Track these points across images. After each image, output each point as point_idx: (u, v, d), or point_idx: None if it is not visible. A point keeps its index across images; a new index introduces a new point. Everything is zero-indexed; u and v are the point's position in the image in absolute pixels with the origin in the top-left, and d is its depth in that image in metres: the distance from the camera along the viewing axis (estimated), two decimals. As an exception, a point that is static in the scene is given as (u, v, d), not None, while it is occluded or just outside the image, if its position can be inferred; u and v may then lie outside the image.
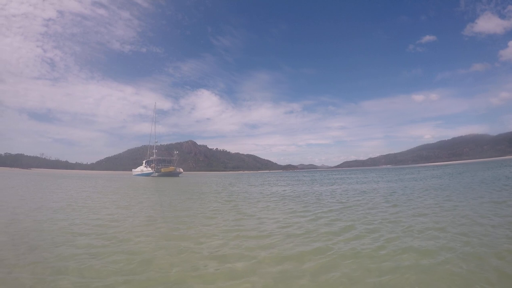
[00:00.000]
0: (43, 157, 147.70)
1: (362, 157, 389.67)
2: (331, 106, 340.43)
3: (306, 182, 31.91)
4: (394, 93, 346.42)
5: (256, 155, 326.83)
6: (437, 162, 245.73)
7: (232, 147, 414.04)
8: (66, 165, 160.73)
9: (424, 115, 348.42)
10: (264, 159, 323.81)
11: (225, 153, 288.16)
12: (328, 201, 13.87)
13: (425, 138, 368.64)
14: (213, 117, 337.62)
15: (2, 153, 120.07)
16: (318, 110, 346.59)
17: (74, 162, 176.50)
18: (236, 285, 4.22)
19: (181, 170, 73.15)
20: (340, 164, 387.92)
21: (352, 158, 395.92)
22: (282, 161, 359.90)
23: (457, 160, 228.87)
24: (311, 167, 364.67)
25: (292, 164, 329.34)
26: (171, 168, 69.66)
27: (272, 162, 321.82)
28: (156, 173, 68.45)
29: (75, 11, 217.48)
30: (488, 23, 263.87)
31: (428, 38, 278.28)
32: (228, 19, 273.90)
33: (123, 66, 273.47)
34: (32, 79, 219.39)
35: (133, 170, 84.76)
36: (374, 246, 5.89)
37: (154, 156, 76.77)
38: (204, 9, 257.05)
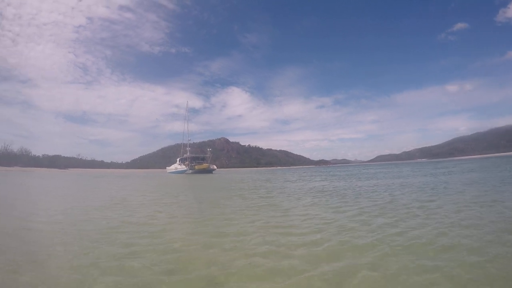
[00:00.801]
0: (80, 157, 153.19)
1: (396, 151, 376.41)
2: (363, 99, 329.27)
3: (343, 177, 30.78)
4: (426, 84, 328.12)
5: (288, 150, 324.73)
6: (473, 155, 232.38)
7: (264, 143, 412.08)
8: (101, 165, 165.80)
9: (458, 106, 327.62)
10: (296, 155, 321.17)
11: (257, 149, 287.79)
12: (369, 195, 13.18)
13: (460, 130, 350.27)
14: (244, 114, 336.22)
15: (40, 155, 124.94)
16: (350, 104, 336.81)
17: (109, 161, 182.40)
18: (296, 282, 3.92)
19: (215, 167, 73.15)
20: (374, 158, 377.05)
21: (386, 152, 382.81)
22: (314, 156, 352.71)
23: (494, 153, 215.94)
24: (344, 162, 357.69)
25: (324, 159, 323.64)
26: (205, 165, 69.72)
27: (305, 158, 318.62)
28: (190, 171, 68.49)
29: (103, 16, 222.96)
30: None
31: (459, 25, 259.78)
32: (254, 16, 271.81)
33: (153, 67, 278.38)
34: (66, 84, 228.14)
35: (167, 168, 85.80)
36: (423, 241, 5.54)
37: (188, 153, 77.36)
38: (230, 7, 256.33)
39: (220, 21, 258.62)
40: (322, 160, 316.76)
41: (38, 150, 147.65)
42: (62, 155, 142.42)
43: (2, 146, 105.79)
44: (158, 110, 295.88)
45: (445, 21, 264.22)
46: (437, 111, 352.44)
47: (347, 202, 11.31)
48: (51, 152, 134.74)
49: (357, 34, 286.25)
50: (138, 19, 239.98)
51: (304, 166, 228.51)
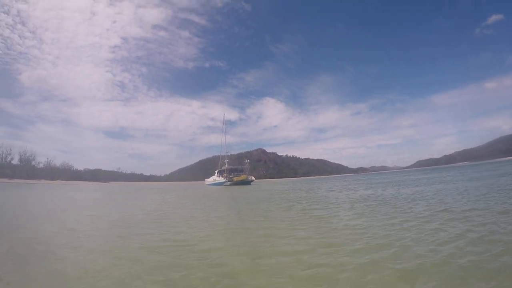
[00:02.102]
0: (120, 171, 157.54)
1: (436, 155, 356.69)
2: (399, 103, 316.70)
3: (386, 185, 29.32)
4: (463, 83, 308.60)
5: (326, 159, 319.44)
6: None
7: (301, 153, 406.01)
8: (141, 178, 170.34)
9: (499, 104, 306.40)
10: (334, 163, 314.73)
11: (294, 159, 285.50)
12: (424, 204, 12.15)
13: (502, 129, 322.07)
14: (280, 124, 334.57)
15: (82, 169, 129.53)
16: (385, 109, 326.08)
17: (148, 174, 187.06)
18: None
19: (253, 178, 72.65)
20: (413, 164, 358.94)
21: (425, 157, 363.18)
22: (352, 164, 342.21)
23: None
24: (383, 169, 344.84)
25: (363, 166, 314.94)
26: (243, 176, 69.37)
27: (343, 166, 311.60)
28: (229, 182, 68.33)
29: (137, 36, 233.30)
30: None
31: (494, 17, 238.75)
32: (284, 26, 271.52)
33: (188, 82, 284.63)
34: (104, 101, 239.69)
35: (205, 180, 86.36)
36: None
37: (226, 165, 77.53)
38: (259, 19, 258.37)
39: (251, 33, 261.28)
40: (361, 167, 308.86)
41: (79, 164, 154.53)
42: (103, 168, 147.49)
43: (46, 161, 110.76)
44: (195, 123, 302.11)
45: (478, 15, 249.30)
46: (476, 111, 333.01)
47: (408, 212, 10.40)
48: (92, 166, 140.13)
49: (389, 36, 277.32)
50: (171, 36, 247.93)
51: (342, 175, 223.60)
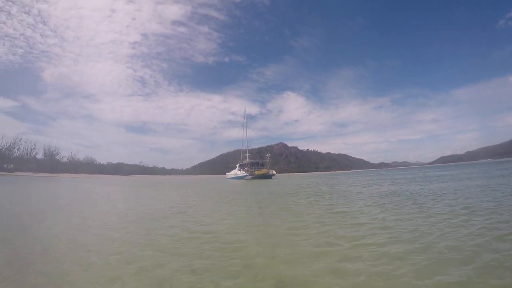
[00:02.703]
0: (142, 164, 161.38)
1: (459, 151, 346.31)
2: (421, 97, 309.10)
3: (411, 181, 28.71)
4: (487, 77, 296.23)
5: (347, 154, 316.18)
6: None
7: (322, 147, 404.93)
8: (162, 171, 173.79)
9: None
10: (355, 158, 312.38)
11: (316, 153, 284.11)
12: (449, 201, 11.92)
13: None
14: (301, 118, 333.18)
15: (105, 163, 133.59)
16: (407, 103, 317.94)
17: (170, 168, 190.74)
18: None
19: (274, 172, 72.72)
20: (436, 160, 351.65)
21: (448, 153, 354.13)
22: (374, 159, 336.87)
23: None
24: (405, 165, 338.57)
25: (384, 162, 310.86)
26: (264, 170, 69.60)
27: (364, 161, 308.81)
28: (250, 176, 68.83)
29: (157, 32, 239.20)
30: None
31: None
32: (303, 20, 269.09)
33: (208, 76, 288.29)
34: (126, 97, 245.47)
35: (227, 173, 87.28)
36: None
37: (247, 159, 78.10)
38: (278, 13, 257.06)
39: (270, 27, 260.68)
40: (382, 163, 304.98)
41: (102, 158, 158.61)
42: (125, 162, 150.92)
43: (69, 156, 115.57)
44: (215, 117, 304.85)
45: (502, 6, 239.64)
46: (500, 106, 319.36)
47: (439, 209, 10.17)
48: (114, 160, 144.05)
49: (409, 30, 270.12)
50: (191, 32, 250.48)
51: (363, 170, 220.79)
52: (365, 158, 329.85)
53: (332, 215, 9.91)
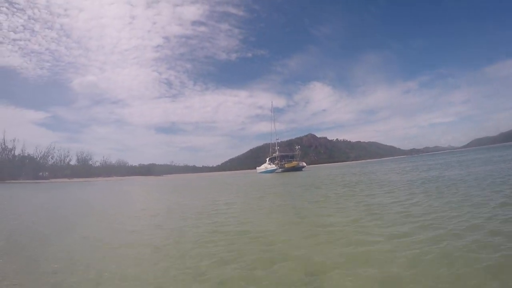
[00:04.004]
0: (173, 164, 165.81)
1: (493, 133, 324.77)
2: (450, 78, 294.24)
3: (445, 166, 27.55)
4: None
5: (377, 141, 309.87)
6: None
7: (352, 136, 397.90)
8: (194, 169, 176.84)
9: None
10: (386, 145, 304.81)
11: (345, 142, 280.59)
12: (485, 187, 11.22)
13: None
14: (329, 108, 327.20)
15: (137, 164, 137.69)
16: (436, 85, 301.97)
17: (201, 166, 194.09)
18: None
19: (304, 164, 72.45)
20: (468, 143, 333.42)
21: (481, 134, 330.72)
22: (405, 146, 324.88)
23: None
24: (437, 149, 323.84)
25: (416, 147, 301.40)
26: (294, 162, 69.34)
27: (395, 148, 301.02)
28: (280, 169, 68.89)
29: (178, 34, 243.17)
30: None
31: None
32: (322, 7, 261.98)
33: (233, 73, 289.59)
34: (153, 99, 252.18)
35: (257, 168, 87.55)
36: None
37: (277, 152, 77.92)
38: (296, 3, 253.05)
39: (290, 18, 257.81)
40: (414, 149, 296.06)
41: (134, 160, 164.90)
42: (157, 163, 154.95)
43: (102, 160, 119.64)
44: (243, 113, 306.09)
45: None
46: None
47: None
48: (146, 162, 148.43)
49: (432, 9, 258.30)
50: (211, 30, 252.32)
51: (395, 157, 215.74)
52: (396, 144, 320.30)
53: (371, 207, 9.26)
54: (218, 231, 7.48)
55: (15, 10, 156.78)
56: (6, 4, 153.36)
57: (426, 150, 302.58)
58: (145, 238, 7.23)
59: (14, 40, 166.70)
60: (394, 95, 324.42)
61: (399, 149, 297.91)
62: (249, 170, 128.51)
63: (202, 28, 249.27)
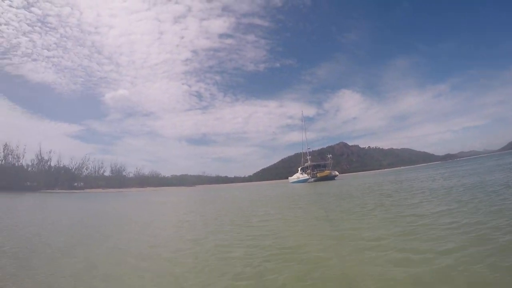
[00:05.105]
0: (205, 174, 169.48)
1: None
2: (483, 79, 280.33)
3: (489, 170, 26.80)
4: None
5: (410, 148, 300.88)
6: None
7: (384, 143, 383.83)
8: (225, 180, 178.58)
9: None
10: (419, 152, 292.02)
11: (378, 150, 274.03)
12: None
13: None
14: (359, 115, 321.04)
15: (169, 175, 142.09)
16: (468, 86, 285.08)
17: (232, 176, 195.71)
18: None
19: (337, 173, 71.83)
20: (505, 146, 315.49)
21: None
22: (439, 151, 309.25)
23: None
24: (472, 154, 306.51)
25: (450, 153, 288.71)
26: (327, 172, 68.74)
27: (429, 154, 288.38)
28: (312, 179, 68.55)
29: (206, 47, 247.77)
30: None
31: None
32: (348, 14, 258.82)
33: (262, 83, 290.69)
34: (184, 112, 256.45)
35: (289, 178, 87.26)
36: None
37: (309, 162, 77.60)
38: (322, 12, 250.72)
39: (316, 27, 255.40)
40: (448, 154, 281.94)
41: (166, 171, 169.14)
42: (189, 173, 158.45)
43: (135, 171, 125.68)
44: (273, 123, 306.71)
45: None
46: None
47: None
48: (178, 173, 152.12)
49: (460, 8, 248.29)
50: (238, 42, 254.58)
51: (429, 163, 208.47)
52: (429, 150, 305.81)
53: (416, 218, 8.86)
54: (253, 245, 7.45)
55: (47, 29, 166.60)
56: (39, 24, 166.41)
57: (461, 155, 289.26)
58: (172, 251, 7.50)
59: (47, 57, 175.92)
60: (425, 100, 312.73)
61: (432, 155, 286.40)
62: (280, 180, 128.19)
63: (229, 41, 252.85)
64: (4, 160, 78.37)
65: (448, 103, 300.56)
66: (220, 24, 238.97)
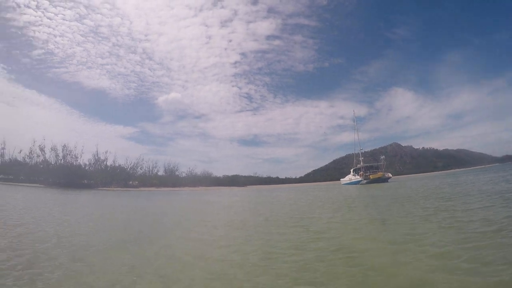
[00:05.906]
0: (256, 175, 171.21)
1: None
2: None
3: None
4: None
5: (466, 148, 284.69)
6: None
7: (438, 144, 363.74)
8: (277, 181, 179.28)
9: None
10: (475, 152, 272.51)
11: (432, 151, 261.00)
12: None
13: None
14: (412, 114, 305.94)
15: (221, 176, 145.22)
16: None
17: (283, 177, 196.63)
18: None
19: (390, 175, 71.26)
20: None
21: None
22: (496, 152, 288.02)
23: None
24: None
25: (510, 153, 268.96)
26: (380, 173, 68.46)
27: (486, 155, 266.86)
28: (365, 181, 68.30)
29: (254, 49, 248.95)
30: None
31: None
32: (396, 8, 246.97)
33: (312, 84, 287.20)
34: (235, 113, 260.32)
35: (341, 179, 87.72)
36: None
37: (361, 163, 77.89)
38: (369, 8, 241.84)
39: (364, 24, 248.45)
40: (507, 155, 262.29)
41: (218, 172, 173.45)
42: (240, 174, 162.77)
43: (188, 171, 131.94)
44: (324, 123, 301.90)
45: None
46: None
47: None
48: (230, 173, 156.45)
49: None
50: (286, 43, 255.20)
51: (486, 166, 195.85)
52: (487, 151, 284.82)
53: (480, 223, 8.50)
54: (306, 248, 7.54)
55: (100, 38, 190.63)
56: (92, 34, 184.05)
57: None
58: (226, 252, 7.88)
59: (102, 65, 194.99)
60: (481, 96, 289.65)
61: (490, 156, 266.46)
62: (331, 182, 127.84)
63: (277, 42, 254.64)
64: (63, 160, 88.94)
65: (505, 99, 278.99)
66: (266, 26, 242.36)
